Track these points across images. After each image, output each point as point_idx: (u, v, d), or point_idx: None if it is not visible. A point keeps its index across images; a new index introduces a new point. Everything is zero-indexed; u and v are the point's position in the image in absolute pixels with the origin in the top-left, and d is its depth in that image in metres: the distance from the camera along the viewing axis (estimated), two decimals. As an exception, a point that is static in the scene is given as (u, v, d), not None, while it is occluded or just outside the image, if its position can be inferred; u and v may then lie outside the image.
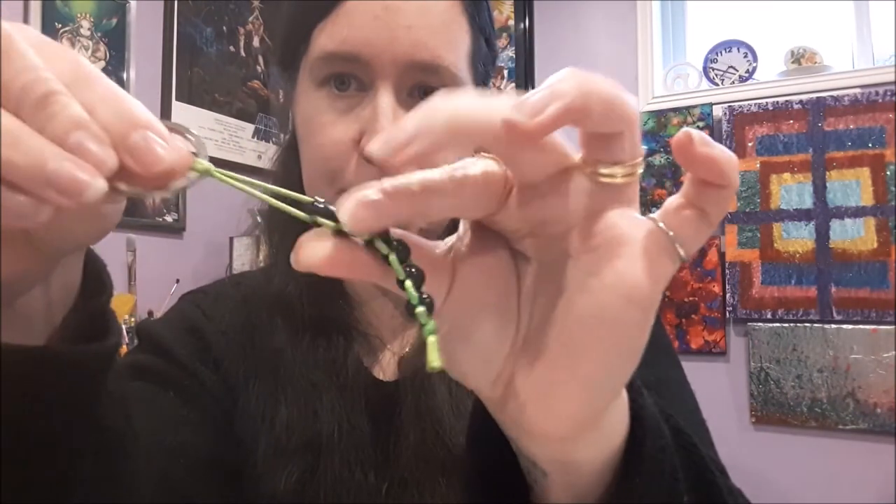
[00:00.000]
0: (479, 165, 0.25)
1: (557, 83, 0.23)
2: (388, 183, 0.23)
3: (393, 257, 0.25)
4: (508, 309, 0.28)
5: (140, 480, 0.38)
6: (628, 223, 0.25)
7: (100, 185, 0.22)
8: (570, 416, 0.26)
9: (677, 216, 0.25)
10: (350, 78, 0.50)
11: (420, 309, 0.24)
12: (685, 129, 0.24)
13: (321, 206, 0.25)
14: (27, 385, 0.29)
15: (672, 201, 0.25)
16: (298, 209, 0.26)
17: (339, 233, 0.24)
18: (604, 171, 0.25)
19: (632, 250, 0.24)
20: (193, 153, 0.26)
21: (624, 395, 0.31)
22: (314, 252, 0.24)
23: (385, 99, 0.48)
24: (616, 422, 0.31)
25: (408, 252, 0.25)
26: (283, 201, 0.27)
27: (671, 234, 0.24)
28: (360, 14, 0.48)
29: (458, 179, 0.24)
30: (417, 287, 0.25)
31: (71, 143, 0.22)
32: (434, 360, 0.24)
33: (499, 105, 0.23)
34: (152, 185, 0.24)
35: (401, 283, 0.25)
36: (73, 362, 0.31)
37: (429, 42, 0.49)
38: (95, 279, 0.33)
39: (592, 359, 0.25)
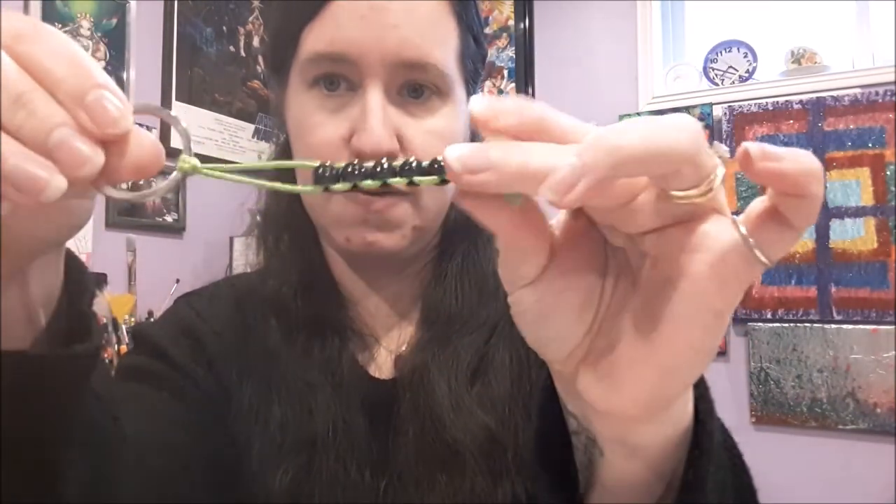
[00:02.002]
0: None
1: (587, 152, 0.23)
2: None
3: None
4: (594, 292, 0.29)
5: (128, 481, 0.38)
6: (712, 232, 0.25)
7: (59, 182, 0.21)
8: (639, 398, 0.28)
9: (759, 223, 0.25)
10: (339, 78, 0.50)
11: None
12: (746, 144, 0.24)
13: (329, 171, 0.26)
14: (10, 389, 0.29)
15: (756, 205, 0.25)
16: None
17: (354, 189, 0.26)
18: (678, 194, 0.25)
19: (712, 259, 0.25)
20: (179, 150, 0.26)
21: (690, 388, 0.31)
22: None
23: (374, 98, 0.49)
24: (682, 412, 0.31)
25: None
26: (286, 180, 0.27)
27: (752, 241, 0.24)
28: (347, 14, 0.48)
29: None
30: None
31: (53, 140, 0.21)
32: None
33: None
34: (131, 176, 0.24)
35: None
36: (55, 365, 0.31)
37: (416, 40, 0.49)
38: (76, 281, 0.33)
39: (668, 352, 0.26)
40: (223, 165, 0.27)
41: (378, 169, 0.26)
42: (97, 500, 0.35)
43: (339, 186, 0.26)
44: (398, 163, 0.26)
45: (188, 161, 0.25)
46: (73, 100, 0.22)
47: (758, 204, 0.25)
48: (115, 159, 0.23)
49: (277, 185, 0.27)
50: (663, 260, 0.26)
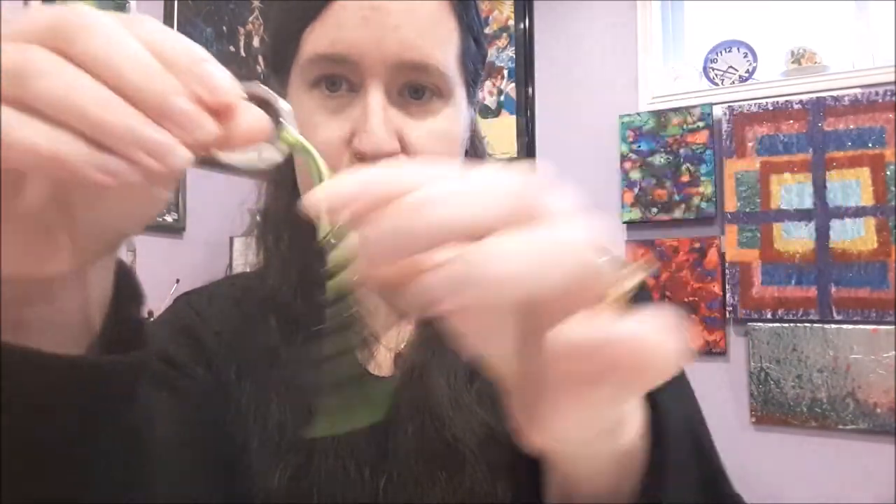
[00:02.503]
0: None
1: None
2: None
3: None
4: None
5: (154, 481, 0.38)
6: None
7: (185, 153, 0.23)
8: (554, 436, 0.27)
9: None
10: (340, 79, 0.50)
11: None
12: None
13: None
14: (67, 394, 0.29)
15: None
16: None
17: None
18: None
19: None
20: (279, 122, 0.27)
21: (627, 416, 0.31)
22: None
23: (375, 99, 0.49)
24: (623, 432, 0.31)
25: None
26: None
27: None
28: (348, 15, 0.48)
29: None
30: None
31: (176, 108, 0.23)
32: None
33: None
34: (243, 143, 0.25)
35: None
36: (112, 372, 0.31)
37: (417, 41, 0.49)
38: (126, 287, 0.34)
39: (561, 423, 0.26)
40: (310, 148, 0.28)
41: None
42: (104, 499, 0.35)
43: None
44: None
45: (291, 133, 0.27)
46: (186, 70, 0.24)
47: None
48: (226, 127, 0.25)
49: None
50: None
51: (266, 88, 0.28)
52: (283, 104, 0.28)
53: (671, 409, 0.34)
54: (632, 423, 0.32)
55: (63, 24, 0.23)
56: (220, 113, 0.25)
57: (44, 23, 0.23)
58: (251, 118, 0.25)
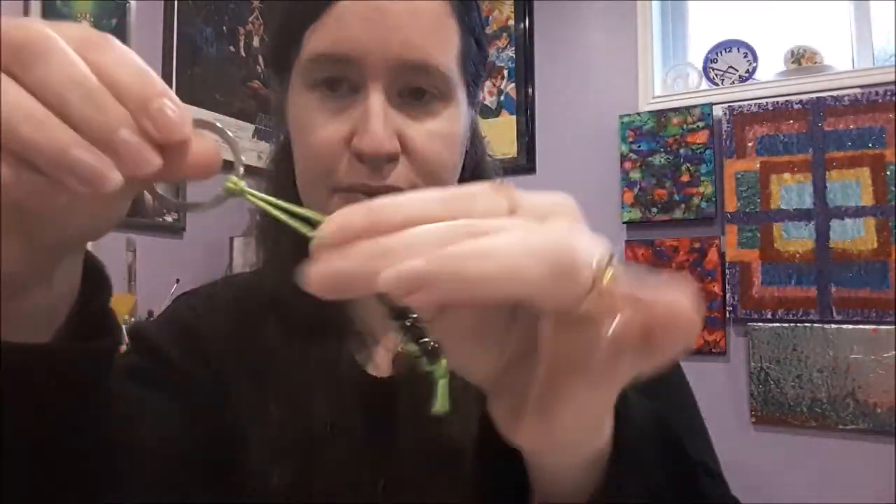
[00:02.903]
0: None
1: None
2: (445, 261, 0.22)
3: (406, 326, 0.26)
4: (501, 335, 0.28)
5: (138, 477, 0.38)
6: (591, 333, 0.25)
7: (116, 177, 0.23)
8: (533, 441, 0.28)
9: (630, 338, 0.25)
10: (341, 80, 0.50)
11: (432, 365, 0.26)
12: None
13: None
14: (31, 382, 0.29)
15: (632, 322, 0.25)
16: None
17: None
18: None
19: (595, 358, 0.25)
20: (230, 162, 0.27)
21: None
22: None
23: (376, 100, 0.48)
24: (595, 437, 0.31)
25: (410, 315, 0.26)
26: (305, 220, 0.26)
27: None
28: (351, 16, 0.48)
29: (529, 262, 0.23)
30: (422, 337, 0.26)
31: (119, 138, 0.23)
32: (443, 404, 0.25)
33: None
34: (185, 176, 0.25)
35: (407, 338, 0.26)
36: (77, 359, 0.31)
37: (419, 43, 0.49)
38: (95, 279, 0.34)
39: (560, 421, 0.27)
40: (266, 197, 0.27)
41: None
42: (110, 494, 0.35)
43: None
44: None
45: (237, 183, 0.26)
46: (137, 105, 0.24)
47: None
48: (170, 162, 0.25)
49: (311, 213, 0.26)
50: (552, 344, 0.26)
51: (221, 128, 0.28)
52: (232, 138, 0.28)
53: (636, 408, 0.34)
54: (609, 422, 0.32)
55: (19, 44, 0.23)
56: (165, 146, 0.24)
57: (4, 39, 0.23)
58: (199, 150, 0.25)
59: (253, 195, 0.27)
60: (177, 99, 0.25)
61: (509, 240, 0.22)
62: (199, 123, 0.26)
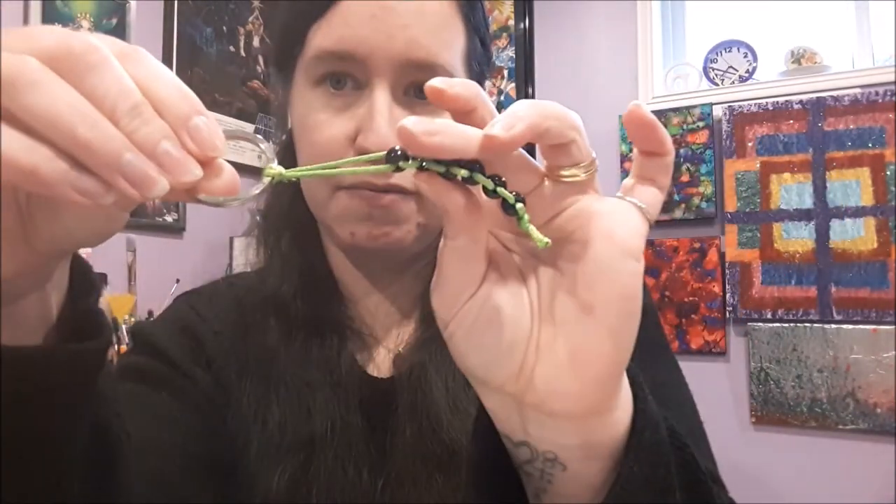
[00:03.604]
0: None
1: (517, 110, 0.28)
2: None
3: (479, 176, 0.29)
4: (523, 296, 0.32)
5: (132, 480, 0.38)
6: (601, 201, 0.31)
7: (164, 184, 0.24)
8: (600, 375, 0.30)
9: (634, 189, 0.32)
10: (346, 77, 0.50)
11: (519, 204, 0.29)
12: (634, 102, 0.31)
13: (399, 152, 0.29)
14: (22, 384, 0.29)
15: (626, 181, 0.32)
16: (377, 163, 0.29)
17: (420, 169, 0.29)
18: (565, 173, 0.31)
19: (612, 216, 0.30)
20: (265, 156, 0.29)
21: (628, 386, 0.34)
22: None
23: (381, 97, 0.49)
24: (625, 407, 0.33)
25: (484, 169, 0.30)
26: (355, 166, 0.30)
27: (635, 200, 0.31)
28: (356, 13, 0.48)
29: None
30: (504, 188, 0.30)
31: (161, 149, 0.24)
32: (541, 238, 0.29)
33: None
34: (213, 193, 0.26)
35: (492, 192, 0.29)
36: (68, 361, 0.31)
37: (424, 41, 0.49)
38: (83, 279, 0.34)
39: (608, 310, 0.30)
40: (303, 168, 0.30)
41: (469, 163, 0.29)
42: (103, 498, 0.35)
43: (408, 164, 0.29)
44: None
45: (274, 169, 0.29)
46: (178, 121, 0.25)
47: (627, 180, 0.32)
48: (207, 176, 0.26)
49: (352, 168, 0.30)
50: (573, 240, 0.31)
51: (251, 133, 0.30)
52: (263, 142, 0.30)
53: (653, 417, 0.35)
54: (629, 409, 0.33)
55: (78, 54, 0.23)
56: (200, 163, 0.25)
57: (51, 44, 0.23)
58: (227, 174, 0.26)
59: (293, 172, 0.29)
60: (212, 117, 0.26)
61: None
62: (229, 135, 0.28)
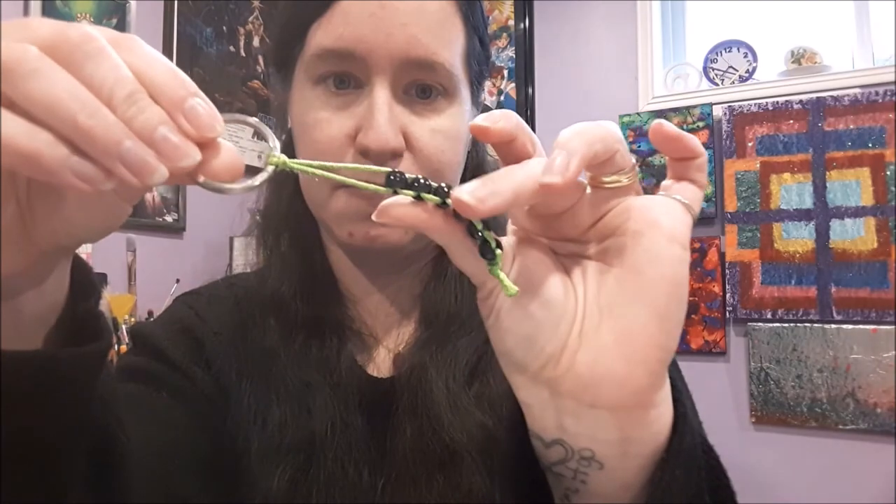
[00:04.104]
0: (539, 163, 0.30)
1: (566, 143, 0.29)
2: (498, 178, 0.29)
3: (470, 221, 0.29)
4: (565, 289, 0.32)
5: (133, 481, 0.38)
6: (645, 199, 0.32)
7: (163, 171, 0.24)
8: (648, 358, 0.30)
9: (673, 188, 0.33)
10: (346, 76, 0.50)
11: (498, 251, 0.30)
12: (656, 121, 0.33)
13: (398, 177, 0.29)
14: (21, 387, 0.29)
15: (665, 182, 0.33)
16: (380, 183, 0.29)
17: (416, 199, 0.29)
18: (608, 179, 0.32)
19: (657, 208, 0.31)
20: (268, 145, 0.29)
21: (669, 386, 0.33)
22: (402, 211, 0.29)
23: (381, 95, 0.49)
24: (667, 405, 0.33)
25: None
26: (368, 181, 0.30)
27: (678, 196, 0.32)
28: (356, 12, 0.48)
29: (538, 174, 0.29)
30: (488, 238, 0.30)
31: (158, 135, 0.24)
32: (511, 287, 0.29)
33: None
34: (214, 176, 0.26)
35: (476, 231, 0.30)
36: (68, 364, 0.31)
37: (424, 39, 0.49)
38: (83, 282, 0.34)
39: (658, 294, 0.30)
40: (307, 161, 0.30)
41: (442, 188, 0.29)
42: (103, 500, 0.35)
43: (406, 192, 0.29)
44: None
45: (278, 157, 0.28)
46: (173, 105, 0.25)
47: (666, 181, 0.33)
48: (203, 160, 0.26)
49: (356, 182, 0.30)
50: (623, 233, 0.31)
51: (253, 119, 0.30)
52: (269, 130, 0.30)
53: (692, 420, 0.34)
54: (669, 411, 0.33)
55: (76, 43, 0.24)
56: (199, 145, 0.25)
57: (48, 33, 0.24)
58: (227, 154, 0.26)
59: (296, 164, 0.29)
60: (207, 99, 0.26)
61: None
62: (229, 119, 0.27)
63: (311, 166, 0.30)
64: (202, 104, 0.25)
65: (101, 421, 0.35)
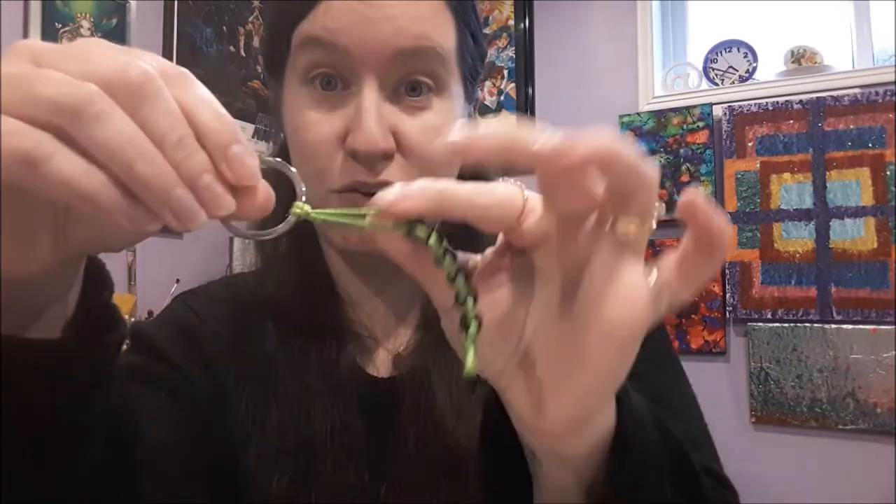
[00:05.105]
0: (502, 189, 0.30)
1: (593, 136, 0.26)
2: (427, 182, 0.29)
3: (448, 260, 0.30)
4: (517, 316, 0.32)
5: (137, 477, 0.39)
6: (631, 273, 0.29)
7: (204, 218, 0.26)
8: (562, 418, 0.31)
9: (669, 273, 0.29)
10: (333, 76, 0.49)
11: (474, 323, 0.29)
12: (693, 187, 0.28)
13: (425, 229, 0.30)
14: (43, 377, 0.31)
15: (669, 259, 0.29)
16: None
17: (428, 237, 0.30)
18: (620, 225, 0.28)
19: (630, 294, 0.28)
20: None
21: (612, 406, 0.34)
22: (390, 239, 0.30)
23: (369, 96, 0.48)
24: (604, 419, 0.34)
25: (455, 257, 0.31)
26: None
27: (662, 283, 0.29)
28: (341, 9, 0.48)
29: (481, 195, 0.29)
30: (466, 284, 0.30)
31: (202, 183, 0.25)
32: (470, 365, 0.29)
33: (542, 136, 0.27)
34: (247, 218, 0.28)
35: (451, 280, 0.30)
36: (87, 353, 0.33)
37: (412, 29, 0.48)
38: (97, 277, 0.35)
39: (588, 375, 0.29)
40: (329, 210, 0.32)
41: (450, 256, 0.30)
42: (120, 481, 0.37)
43: (431, 241, 0.30)
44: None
45: (302, 207, 0.30)
46: (217, 150, 0.26)
47: (671, 258, 0.29)
48: (240, 203, 0.27)
49: (380, 226, 0.30)
50: (588, 296, 0.29)
51: (286, 165, 0.32)
52: (293, 171, 0.32)
53: (637, 400, 0.36)
54: (610, 418, 0.34)
55: (137, 84, 0.25)
56: (236, 188, 0.27)
57: (109, 72, 0.25)
58: (262, 198, 0.28)
59: (318, 214, 0.31)
60: (249, 146, 0.27)
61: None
62: (269, 163, 0.29)
63: (333, 213, 0.31)
64: (242, 150, 0.26)
65: (117, 408, 0.37)
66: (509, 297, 0.32)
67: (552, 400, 0.30)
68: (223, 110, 0.27)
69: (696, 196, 0.27)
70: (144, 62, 0.25)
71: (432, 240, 0.30)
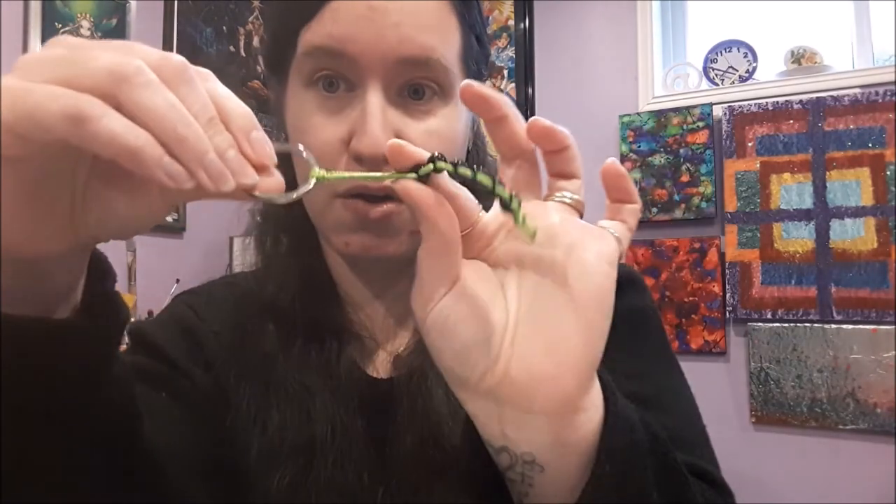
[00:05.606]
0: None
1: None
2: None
3: (481, 175, 0.33)
4: (496, 302, 0.35)
5: (137, 477, 0.39)
6: (580, 221, 0.35)
7: (232, 182, 0.29)
8: (576, 364, 0.32)
9: (608, 224, 0.36)
10: (339, 79, 0.49)
11: (515, 201, 0.33)
12: (611, 160, 0.37)
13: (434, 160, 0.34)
14: (53, 357, 0.32)
15: (601, 222, 0.37)
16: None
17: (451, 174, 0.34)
18: (556, 195, 0.36)
19: (591, 230, 0.35)
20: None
21: (600, 390, 0.36)
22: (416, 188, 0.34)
23: (374, 99, 0.48)
24: (597, 408, 0.35)
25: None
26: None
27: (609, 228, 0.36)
28: (346, 13, 0.48)
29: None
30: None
31: (229, 156, 0.29)
32: (529, 230, 0.33)
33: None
34: (276, 191, 0.31)
35: (494, 193, 0.33)
36: (95, 334, 0.35)
37: (417, 37, 0.48)
38: (99, 266, 0.37)
39: (587, 306, 0.33)
40: (347, 174, 0.35)
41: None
42: (126, 467, 0.39)
43: (460, 169, 0.33)
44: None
45: (320, 172, 0.34)
46: (241, 133, 0.30)
47: (602, 221, 0.37)
48: (261, 178, 0.31)
49: (391, 175, 0.34)
50: (553, 249, 0.34)
51: (296, 148, 0.37)
52: (307, 153, 0.36)
53: (624, 404, 0.37)
54: (600, 409, 0.35)
55: (179, 69, 0.29)
56: (255, 167, 0.30)
57: (155, 57, 0.29)
58: (276, 177, 0.31)
59: (336, 176, 0.34)
60: (261, 130, 0.31)
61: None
62: (282, 148, 0.33)
63: (350, 175, 0.36)
64: (262, 136, 0.30)
65: (119, 393, 0.38)
66: (485, 293, 0.35)
67: (564, 345, 0.32)
68: (244, 104, 0.31)
69: (614, 164, 0.37)
70: (180, 57, 0.29)
71: (460, 167, 0.33)
